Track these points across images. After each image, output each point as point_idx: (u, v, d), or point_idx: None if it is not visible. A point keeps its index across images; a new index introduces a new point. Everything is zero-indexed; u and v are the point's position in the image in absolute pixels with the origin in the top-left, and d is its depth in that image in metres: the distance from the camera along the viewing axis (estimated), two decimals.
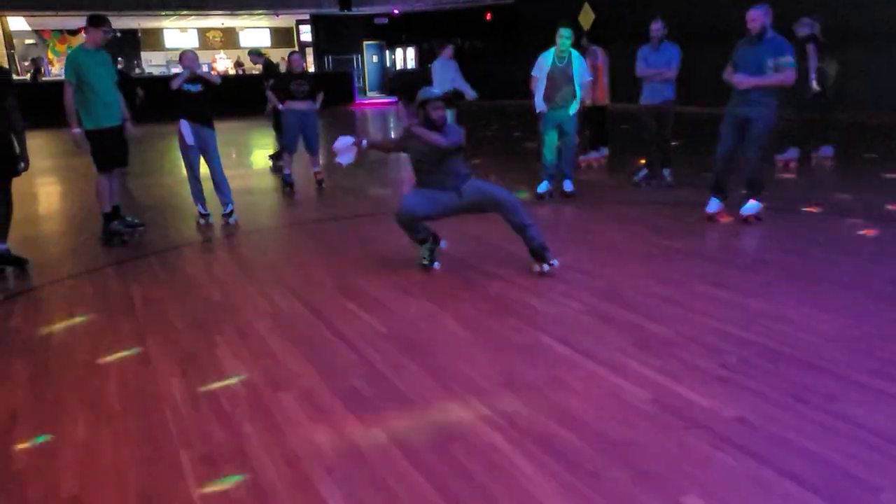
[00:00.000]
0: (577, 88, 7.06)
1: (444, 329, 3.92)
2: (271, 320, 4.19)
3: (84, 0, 20.91)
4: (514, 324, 3.94)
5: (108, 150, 6.03)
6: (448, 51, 8.85)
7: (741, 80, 5.66)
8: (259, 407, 3.10)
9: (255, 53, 10.58)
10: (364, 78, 28.01)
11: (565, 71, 6.96)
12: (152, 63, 30.21)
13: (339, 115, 19.95)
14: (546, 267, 4.77)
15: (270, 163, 10.34)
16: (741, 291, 4.32)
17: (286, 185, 8.34)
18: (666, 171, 7.70)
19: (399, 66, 26.90)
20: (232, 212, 6.87)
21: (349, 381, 3.31)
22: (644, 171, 7.76)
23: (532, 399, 3.05)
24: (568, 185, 7.46)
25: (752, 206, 5.98)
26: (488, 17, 23.52)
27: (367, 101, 25.26)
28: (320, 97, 8.34)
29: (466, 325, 3.96)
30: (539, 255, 4.77)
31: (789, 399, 2.95)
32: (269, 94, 8.33)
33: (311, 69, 27.86)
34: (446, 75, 8.63)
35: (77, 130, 5.83)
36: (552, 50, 7.02)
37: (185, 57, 6.52)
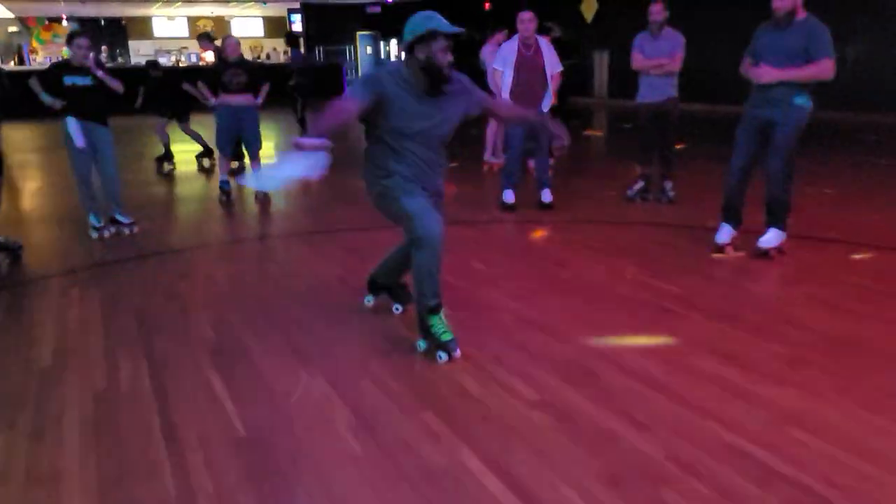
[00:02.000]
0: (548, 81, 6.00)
1: (330, 433, 2.68)
2: (93, 405, 2.96)
3: None
4: (431, 426, 2.70)
5: None
6: (500, 36, 7.38)
7: (764, 74, 4.38)
8: None
9: (206, 38, 9.36)
10: (358, 69, 26.73)
11: (534, 61, 5.83)
12: (140, 53, 28.99)
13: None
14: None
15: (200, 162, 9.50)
16: (761, 372, 3.06)
17: (222, 192, 7.12)
18: (667, 185, 6.42)
19: (393, 57, 25.59)
20: (119, 222, 5.79)
21: None
22: (640, 184, 6.49)
23: None
24: (546, 196, 6.29)
25: (773, 235, 4.70)
26: (487, 6, 22.22)
27: None
28: (264, 90, 7.09)
29: (364, 424, 2.72)
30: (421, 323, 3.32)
31: None
32: (199, 85, 7.07)
33: None
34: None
35: None
36: (515, 38, 5.98)
37: (76, 45, 5.28)
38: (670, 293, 4.09)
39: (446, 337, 3.24)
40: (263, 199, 7.17)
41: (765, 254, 4.68)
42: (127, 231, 5.78)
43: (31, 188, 8.37)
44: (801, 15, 4.40)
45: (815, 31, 4.31)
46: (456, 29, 3.03)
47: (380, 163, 3.25)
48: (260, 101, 7.06)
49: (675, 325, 3.63)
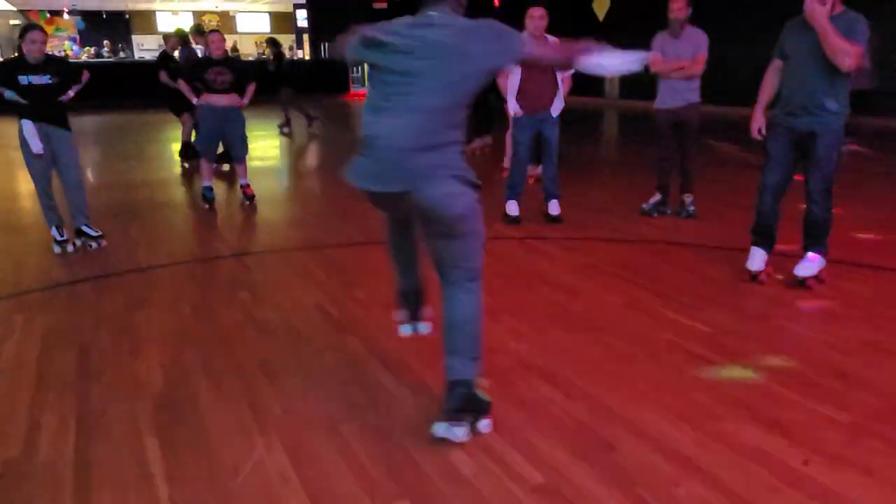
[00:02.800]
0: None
1: None
2: None
3: None
4: None
5: None
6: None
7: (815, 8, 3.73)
8: None
9: (176, 37, 8.93)
10: (363, 67, 26.11)
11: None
12: (144, 47, 28.57)
13: (331, 106, 18.16)
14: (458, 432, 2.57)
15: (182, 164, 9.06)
16: (812, 446, 2.49)
17: (205, 200, 6.60)
18: (687, 198, 5.84)
19: None
20: (85, 235, 5.29)
21: None
22: (657, 197, 5.91)
23: None
24: (554, 207, 5.77)
25: (813, 262, 4.13)
26: (497, 3, 21.63)
27: (363, 91, 23.42)
28: (250, 90, 6.56)
29: None
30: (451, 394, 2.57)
31: None
32: (182, 84, 6.53)
33: (307, 56, 26.12)
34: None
35: None
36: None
37: (29, 39, 4.75)
38: (697, 332, 3.52)
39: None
40: (249, 207, 6.65)
41: (802, 283, 4.12)
42: (94, 245, 5.27)
43: None
44: (839, 9, 3.83)
45: (853, 25, 3.74)
46: None
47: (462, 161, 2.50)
48: (246, 101, 6.54)
49: (705, 376, 3.07)
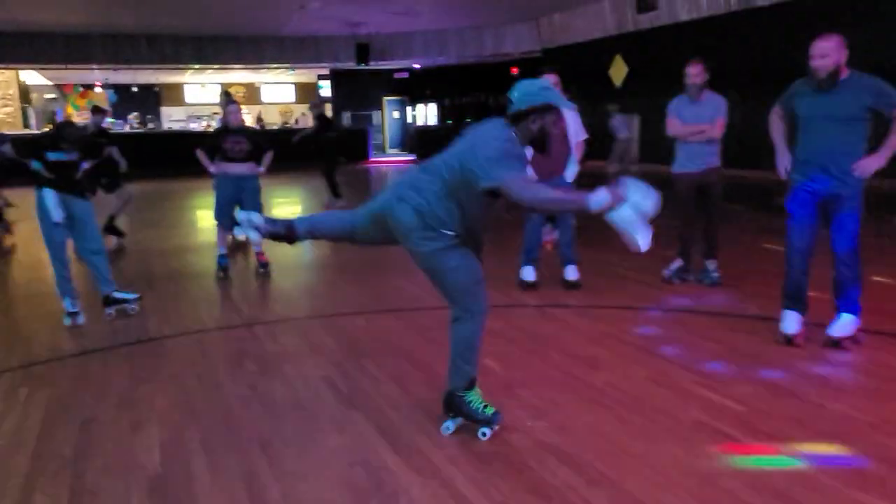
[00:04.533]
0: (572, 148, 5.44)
1: None
2: None
3: (95, 54, 20.10)
4: None
5: None
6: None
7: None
8: None
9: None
10: (384, 134, 26.60)
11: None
12: (172, 118, 29.46)
13: (351, 173, 18.35)
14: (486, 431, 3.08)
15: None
16: None
17: (219, 268, 6.55)
18: (711, 265, 5.66)
19: (420, 122, 25.39)
20: (117, 300, 5.26)
21: None
22: (678, 263, 5.73)
23: None
24: (571, 273, 5.65)
25: (846, 321, 4.00)
26: (514, 71, 22.04)
27: (384, 159, 23.75)
28: (267, 158, 6.60)
29: None
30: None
31: None
32: (199, 153, 6.57)
33: None
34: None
35: None
36: None
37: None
38: (727, 409, 3.30)
39: (489, 410, 3.06)
40: (263, 275, 6.58)
41: (836, 344, 3.98)
42: (131, 308, 5.27)
43: (12, 259, 7.91)
44: (846, 74, 3.88)
45: (878, 88, 3.83)
46: (570, 104, 3.22)
47: (445, 219, 2.94)
48: (263, 169, 6.57)
49: (737, 462, 2.84)
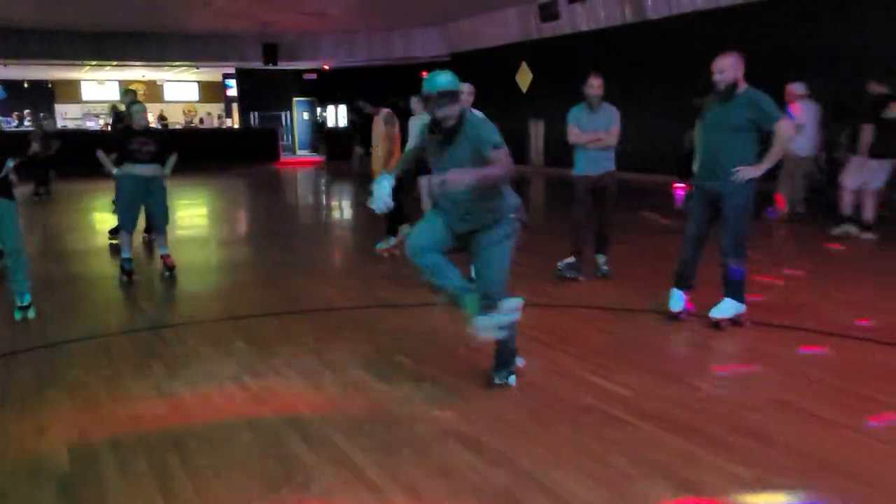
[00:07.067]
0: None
1: None
2: None
3: None
4: None
5: None
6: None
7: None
8: None
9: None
10: (294, 135, 26.30)
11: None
12: (67, 116, 28.03)
13: (260, 174, 18.10)
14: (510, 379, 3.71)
15: (109, 241, 8.11)
16: None
17: (123, 272, 6.40)
18: (601, 258, 6.05)
19: (331, 123, 25.25)
20: (30, 305, 5.15)
21: None
22: (571, 258, 6.04)
23: None
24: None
25: (726, 306, 4.55)
26: (424, 75, 22.26)
27: (293, 159, 23.53)
28: (172, 160, 6.50)
29: None
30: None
31: None
32: (100, 154, 6.40)
33: (236, 125, 26.10)
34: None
35: None
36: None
37: None
38: (617, 396, 3.60)
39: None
40: (169, 278, 6.50)
41: (716, 325, 4.52)
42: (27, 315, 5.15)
43: None
44: (740, 88, 4.37)
45: (759, 102, 4.32)
46: (441, 86, 3.37)
47: None
48: (168, 171, 6.47)
49: (623, 439, 3.12)
